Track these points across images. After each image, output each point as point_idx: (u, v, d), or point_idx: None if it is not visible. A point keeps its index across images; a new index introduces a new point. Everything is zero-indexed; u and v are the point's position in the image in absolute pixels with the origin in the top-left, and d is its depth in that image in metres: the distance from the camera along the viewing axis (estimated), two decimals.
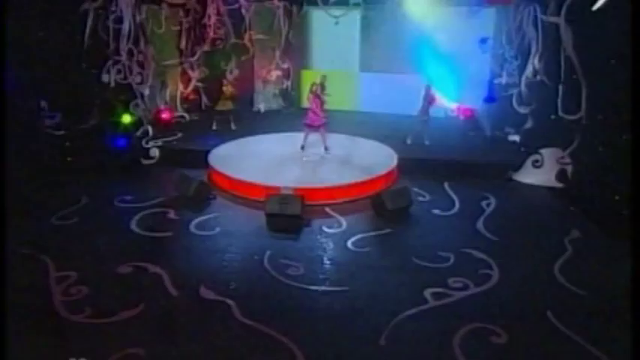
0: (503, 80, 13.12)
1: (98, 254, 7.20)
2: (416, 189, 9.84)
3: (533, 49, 11.62)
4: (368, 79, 15.37)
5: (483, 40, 13.74)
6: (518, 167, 10.78)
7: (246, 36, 15.04)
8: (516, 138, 12.32)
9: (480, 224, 8.45)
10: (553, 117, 10.78)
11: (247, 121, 14.19)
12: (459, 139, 12.66)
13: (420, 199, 9.41)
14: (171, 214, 8.52)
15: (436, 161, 11.04)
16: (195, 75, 14.95)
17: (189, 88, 14.94)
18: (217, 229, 7.97)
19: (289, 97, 15.97)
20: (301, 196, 8.24)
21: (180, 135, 12.41)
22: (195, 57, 14.66)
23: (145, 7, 12.12)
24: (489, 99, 13.46)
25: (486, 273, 6.86)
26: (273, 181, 9.14)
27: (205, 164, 10.51)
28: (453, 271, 6.86)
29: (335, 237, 7.85)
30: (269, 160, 10.52)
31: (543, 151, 10.65)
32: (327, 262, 7.10)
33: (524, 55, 12.34)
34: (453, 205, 9.26)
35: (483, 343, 5.38)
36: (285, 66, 15.71)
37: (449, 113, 14.20)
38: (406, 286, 6.53)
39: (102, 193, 9.39)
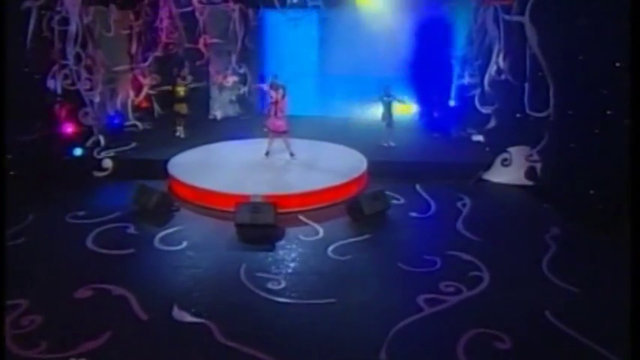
0: (466, 81, 13.10)
1: (52, 277, 6.39)
2: (389, 192, 9.53)
3: (496, 49, 11.62)
4: (328, 83, 15.01)
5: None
6: (487, 167, 10.67)
7: (201, 40, 14.36)
8: (480, 138, 12.29)
9: (459, 225, 8.21)
10: (518, 115, 10.79)
11: (204, 128, 13.55)
12: (424, 140, 12.52)
13: (395, 202, 9.07)
14: (132, 229, 7.78)
15: (405, 163, 10.80)
16: (146, 82, 14.13)
17: (141, 96, 14.10)
18: (184, 244, 7.30)
19: (247, 103, 15.41)
20: (273, 203, 7.72)
21: (134, 144, 11.59)
22: (147, 63, 13.87)
23: (92, 8, 11.27)
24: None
25: (477, 275, 6.56)
26: (241, 189, 8.57)
27: (164, 174, 9.80)
28: (443, 275, 6.52)
29: (313, 245, 7.37)
30: (233, 167, 9.93)
31: (511, 149, 10.60)
32: (309, 272, 6.60)
33: (486, 56, 12.37)
34: (429, 207, 8.98)
35: (489, 350, 5.04)
36: (242, 71, 15.15)
37: (412, 115, 14.05)
38: (397, 293, 6.13)
39: (51, 210, 8.52)
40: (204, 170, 9.63)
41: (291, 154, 10.47)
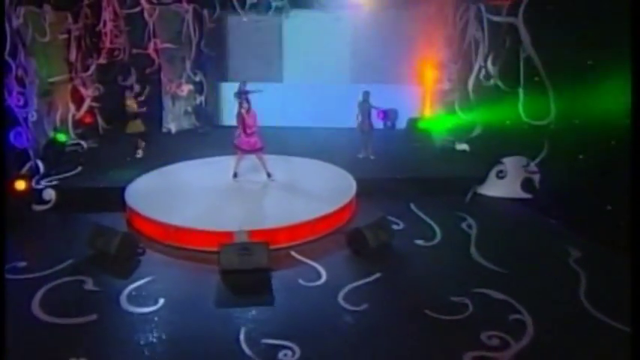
0: (446, 86, 12.28)
1: None
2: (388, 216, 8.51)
3: (481, 51, 10.85)
4: (294, 91, 13.79)
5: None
6: (481, 180, 9.83)
7: (150, 45, 12.75)
8: (465, 147, 11.50)
9: (473, 252, 7.27)
10: (508, 122, 10.07)
11: (157, 144, 11.98)
12: (405, 151, 11.56)
13: (395, 227, 8.01)
14: (90, 284, 6.24)
15: (393, 180, 9.75)
16: (88, 93, 12.38)
17: (83, 110, 12.33)
18: (160, 302, 5.86)
19: (204, 114, 13.91)
20: (265, 242, 6.45)
21: (80, 169, 9.89)
22: (89, 72, 12.13)
23: (22, 9, 9.49)
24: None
25: (517, 319, 5.61)
26: (219, 223, 7.22)
27: (120, 205, 8.28)
28: (480, 323, 5.51)
29: (319, 293, 6.15)
30: (202, 194, 8.49)
31: (506, 160, 9.82)
32: (326, 332, 5.37)
33: (465, 58, 11.61)
34: (433, 231, 7.99)
35: None
36: (198, 79, 13.65)
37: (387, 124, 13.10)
38: (438, 351, 5.05)
39: None
40: (169, 199, 8.17)
41: (269, 175, 9.18)
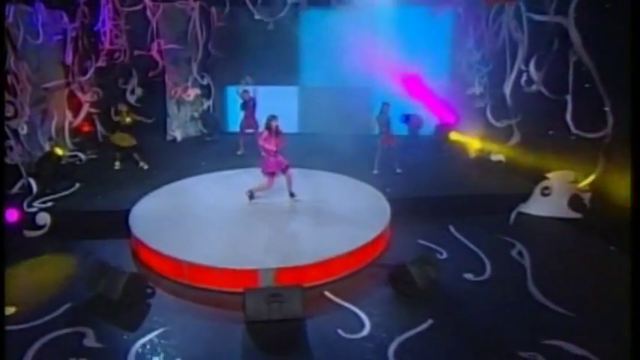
0: (477, 90, 11.29)
1: None
2: (423, 241, 7.55)
3: (520, 54, 9.84)
4: (310, 94, 12.81)
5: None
6: (524, 197, 8.86)
7: (154, 46, 11.76)
8: (501, 157, 10.52)
9: (532, 289, 6.29)
10: (551, 132, 9.09)
11: (163, 154, 11.01)
12: (434, 163, 10.58)
13: (437, 256, 7.06)
14: (91, 339, 5.23)
15: (426, 198, 8.78)
16: (87, 98, 11.39)
17: (81, 117, 11.34)
18: None
19: (212, 120, 12.93)
20: (298, 286, 5.47)
21: (77, 186, 8.89)
22: (87, 75, 11.12)
23: (12, 7, 8.46)
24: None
25: None
26: (239, 258, 6.22)
27: (123, 231, 7.28)
28: None
29: (365, 348, 5.16)
30: (217, 220, 7.45)
31: (551, 175, 8.85)
32: None
33: (498, 61, 10.62)
34: (481, 262, 7.01)
35: None
36: (205, 82, 12.67)
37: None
38: None
39: None
40: (180, 227, 7.15)
41: (292, 195, 8.19)
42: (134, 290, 5.73)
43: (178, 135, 12.48)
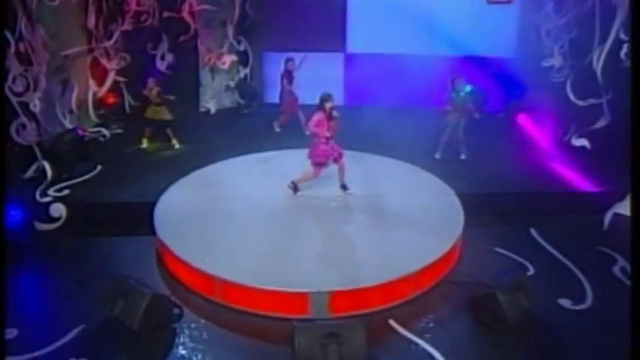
0: (557, 63, 9.64)
1: None
2: (501, 250, 6.26)
3: (617, 21, 8.15)
4: (358, 62, 11.36)
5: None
6: (619, 195, 7.39)
7: (185, 7, 10.47)
8: (585, 143, 8.96)
9: None
10: None
11: (194, 129, 9.88)
12: (504, 148, 9.08)
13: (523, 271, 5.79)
14: None
15: (498, 193, 7.40)
16: (113, 65, 10.27)
17: (106, 86, 10.25)
18: None
19: (249, 90, 11.67)
20: (360, 324, 4.31)
21: (99, 169, 7.87)
22: (112, 40, 9.97)
23: None
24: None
25: None
26: (282, 273, 5.09)
27: (150, 227, 6.24)
28: None
29: None
30: (255, 221, 6.26)
31: None
32: None
33: (583, 28, 8.93)
34: (578, 282, 5.70)
35: None
36: (242, 48, 11.34)
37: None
38: None
39: None
40: (210, 227, 6.03)
41: (344, 187, 6.95)
42: (156, 316, 4.69)
43: (212, 106, 11.30)
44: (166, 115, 8.94)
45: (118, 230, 6.58)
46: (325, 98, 6.47)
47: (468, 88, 9.10)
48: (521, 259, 6.03)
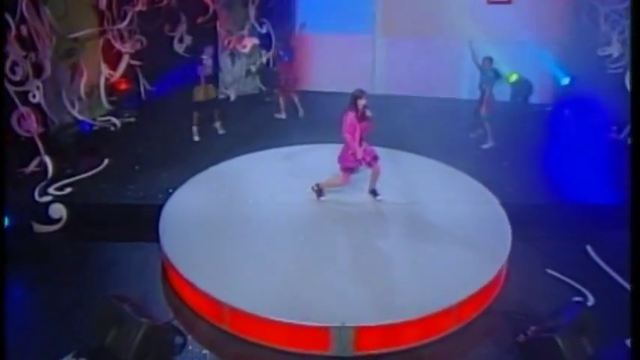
0: (614, 51, 8.60)
1: None
2: (554, 272, 5.44)
3: None
4: (391, 47, 10.46)
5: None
6: None
7: None
8: None
9: None
10: None
11: (212, 117, 9.21)
12: (552, 146, 8.12)
13: (577, 298, 4.98)
14: None
15: (546, 202, 6.52)
16: (127, 48, 9.59)
17: (120, 70, 9.59)
18: None
19: (272, 76, 10.90)
20: None
21: (105, 163, 7.25)
22: (126, 21, 9.28)
23: None
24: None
25: None
26: (301, 303, 4.38)
27: (157, 234, 5.59)
28: None
29: None
30: (271, 229, 5.53)
31: None
32: None
33: None
34: None
35: None
36: (264, 30, 10.55)
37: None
38: None
39: None
40: (221, 240, 5.33)
41: (374, 193, 6.17)
42: (153, 349, 4.03)
43: (232, 93, 10.62)
44: (213, 93, 8.59)
45: (123, 234, 5.97)
46: (358, 95, 5.65)
47: (515, 76, 8.28)
48: (578, 285, 5.19)
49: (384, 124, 7.61)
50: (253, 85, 11.04)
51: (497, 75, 7.88)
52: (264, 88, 10.88)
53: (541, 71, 9.39)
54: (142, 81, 10.21)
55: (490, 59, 7.82)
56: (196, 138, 8.28)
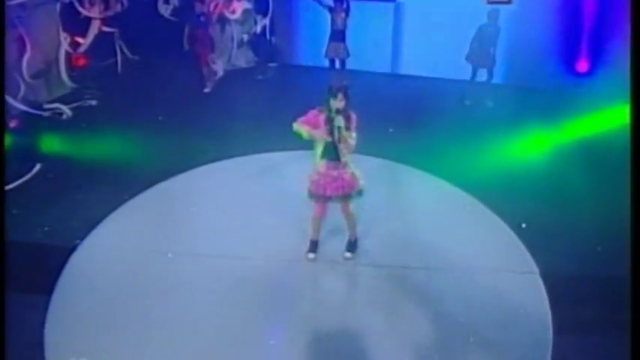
0: None
1: None
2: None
3: None
4: (415, 16, 8.62)
5: None
6: None
7: None
8: None
9: None
10: None
11: (190, 99, 7.78)
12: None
13: None
14: None
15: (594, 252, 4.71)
16: (95, 13, 8.11)
17: (88, 40, 8.15)
18: None
19: (267, 47, 9.30)
20: None
21: (38, 167, 5.83)
22: None
23: None
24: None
25: None
26: None
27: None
28: None
29: None
30: (208, 311, 3.88)
31: None
32: None
33: None
34: None
35: None
36: None
37: None
38: None
39: None
40: (124, 321, 3.79)
41: (350, 247, 4.50)
42: None
43: (220, 68, 8.97)
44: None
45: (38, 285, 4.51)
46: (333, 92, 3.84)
47: None
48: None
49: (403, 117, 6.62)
50: (246, 58, 9.48)
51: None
52: (257, 59, 9.33)
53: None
54: (123, 47, 8.82)
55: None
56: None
